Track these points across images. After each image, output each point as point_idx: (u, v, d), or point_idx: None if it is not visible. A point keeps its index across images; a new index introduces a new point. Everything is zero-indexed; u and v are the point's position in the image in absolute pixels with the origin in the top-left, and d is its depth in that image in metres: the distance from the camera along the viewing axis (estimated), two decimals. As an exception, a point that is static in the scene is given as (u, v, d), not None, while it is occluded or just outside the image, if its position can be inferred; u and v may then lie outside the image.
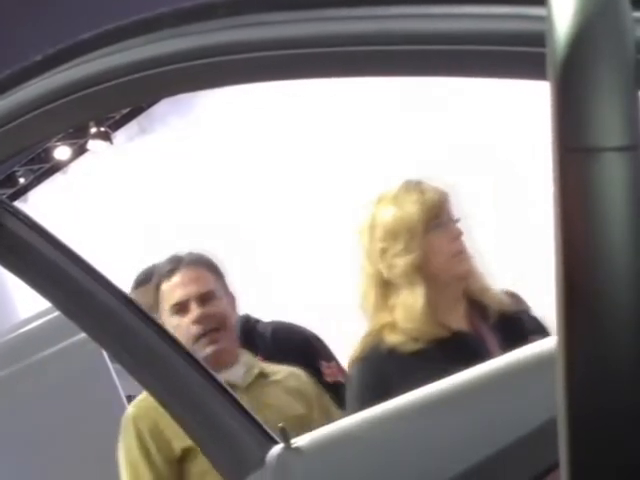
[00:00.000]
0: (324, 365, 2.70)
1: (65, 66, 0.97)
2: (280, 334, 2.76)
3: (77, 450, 3.23)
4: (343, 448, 1.41)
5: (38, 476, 3.33)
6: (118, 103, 1.29)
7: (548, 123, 0.59)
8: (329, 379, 2.65)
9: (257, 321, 2.83)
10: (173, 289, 2.39)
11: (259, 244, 7.48)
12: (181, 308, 2.37)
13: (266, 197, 7.46)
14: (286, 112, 7.13)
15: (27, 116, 1.03)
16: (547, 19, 0.58)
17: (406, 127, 6.44)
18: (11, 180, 9.14)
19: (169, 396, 1.54)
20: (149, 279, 2.68)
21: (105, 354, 3.11)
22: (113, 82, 0.93)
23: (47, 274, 1.45)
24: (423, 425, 1.34)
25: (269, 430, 1.50)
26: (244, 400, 2.26)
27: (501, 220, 5.90)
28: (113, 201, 8.67)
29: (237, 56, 0.84)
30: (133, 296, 2.67)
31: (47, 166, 9.13)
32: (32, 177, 9.24)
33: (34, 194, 9.45)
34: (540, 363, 1.22)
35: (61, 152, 8.72)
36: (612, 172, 0.57)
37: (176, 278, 2.40)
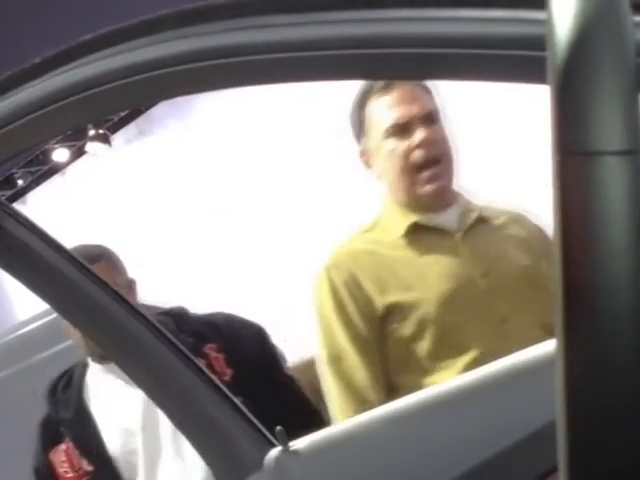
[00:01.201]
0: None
1: (65, 68, 0.97)
2: (235, 324, 2.51)
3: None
4: (341, 451, 1.41)
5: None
6: (118, 105, 1.29)
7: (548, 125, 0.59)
8: (288, 372, 2.55)
9: (190, 312, 2.55)
10: (390, 107, 1.99)
11: (256, 245, 7.48)
12: (401, 129, 1.98)
13: (264, 200, 7.46)
14: (285, 115, 7.13)
15: (26, 118, 1.03)
16: (547, 23, 0.58)
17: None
18: (10, 182, 9.15)
19: (167, 398, 1.54)
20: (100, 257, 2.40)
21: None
22: (114, 84, 0.93)
23: (45, 276, 1.45)
24: (422, 428, 1.34)
25: (267, 433, 1.50)
26: (459, 248, 2.00)
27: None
28: (111, 203, 8.67)
29: (239, 59, 0.84)
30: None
31: (45, 168, 9.13)
32: (30, 179, 9.25)
33: (33, 196, 9.45)
34: (542, 365, 1.22)
35: (59, 154, 8.73)
36: (612, 176, 0.57)
37: (392, 94, 1.99)
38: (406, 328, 1.92)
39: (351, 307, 1.95)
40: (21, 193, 9.39)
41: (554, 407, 0.59)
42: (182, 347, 1.53)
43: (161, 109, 8.02)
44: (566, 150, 0.58)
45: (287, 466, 1.45)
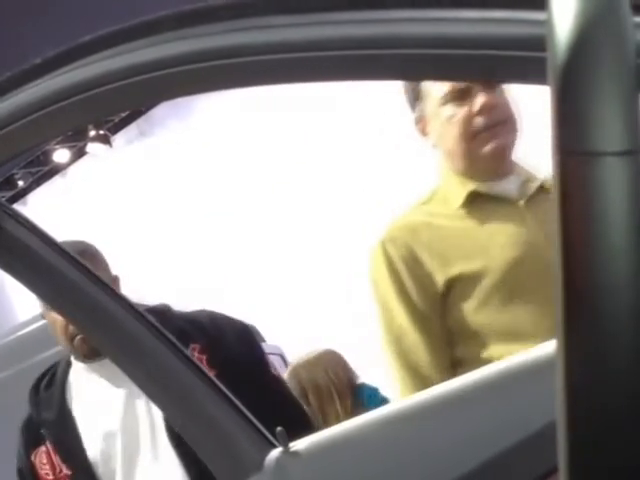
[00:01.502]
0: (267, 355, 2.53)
1: (65, 69, 0.97)
2: (219, 322, 2.45)
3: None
4: (342, 452, 1.41)
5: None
6: (119, 106, 1.29)
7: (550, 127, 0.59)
8: (274, 371, 2.51)
9: (174, 310, 2.49)
10: None
11: (257, 245, 7.48)
12: (460, 95, 1.89)
13: (264, 199, 7.46)
14: (285, 116, 7.13)
15: (26, 119, 1.03)
16: (547, 23, 0.58)
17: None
18: (10, 183, 9.16)
19: (167, 398, 1.54)
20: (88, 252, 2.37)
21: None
22: (114, 85, 0.93)
23: (45, 276, 1.45)
24: (422, 428, 1.34)
25: (267, 433, 1.50)
26: (524, 216, 1.90)
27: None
28: (112, 204, 8.67)
29: (240, 59, 0.84)
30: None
31: (46, 169, 9.14)
32: (31, 180, 9.26)
33: (33, 197, 9.46)
34: (541, 365, 1.22)
35: (60, 155, 8.74)
36: (612, 177, 0.57)
37: None
38: (471, 299, 1.83)
39: (409, 283, 1.86)
40: (22, 194, 9.40)
41: (554, 407, 0.59)
42: (182, 347, 1.53)
43: (162, 110, 8.02)
44: (566, 150, 0.58)
45: (287, 467, 1.45)
